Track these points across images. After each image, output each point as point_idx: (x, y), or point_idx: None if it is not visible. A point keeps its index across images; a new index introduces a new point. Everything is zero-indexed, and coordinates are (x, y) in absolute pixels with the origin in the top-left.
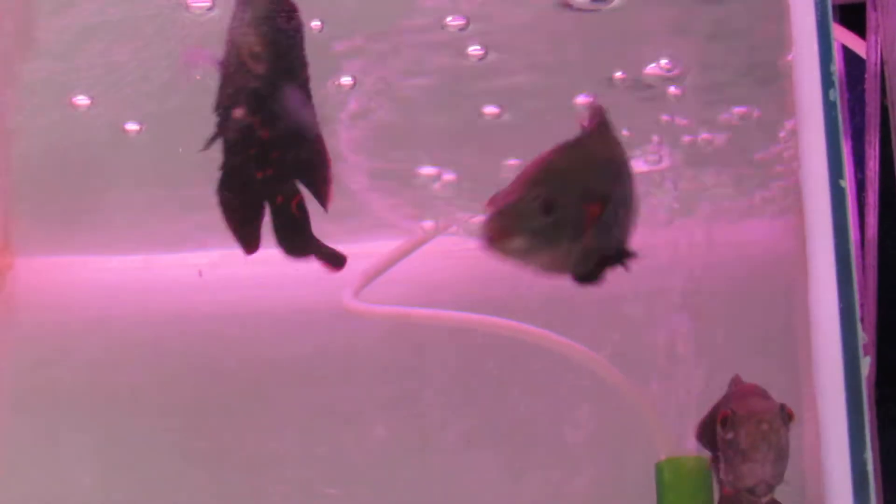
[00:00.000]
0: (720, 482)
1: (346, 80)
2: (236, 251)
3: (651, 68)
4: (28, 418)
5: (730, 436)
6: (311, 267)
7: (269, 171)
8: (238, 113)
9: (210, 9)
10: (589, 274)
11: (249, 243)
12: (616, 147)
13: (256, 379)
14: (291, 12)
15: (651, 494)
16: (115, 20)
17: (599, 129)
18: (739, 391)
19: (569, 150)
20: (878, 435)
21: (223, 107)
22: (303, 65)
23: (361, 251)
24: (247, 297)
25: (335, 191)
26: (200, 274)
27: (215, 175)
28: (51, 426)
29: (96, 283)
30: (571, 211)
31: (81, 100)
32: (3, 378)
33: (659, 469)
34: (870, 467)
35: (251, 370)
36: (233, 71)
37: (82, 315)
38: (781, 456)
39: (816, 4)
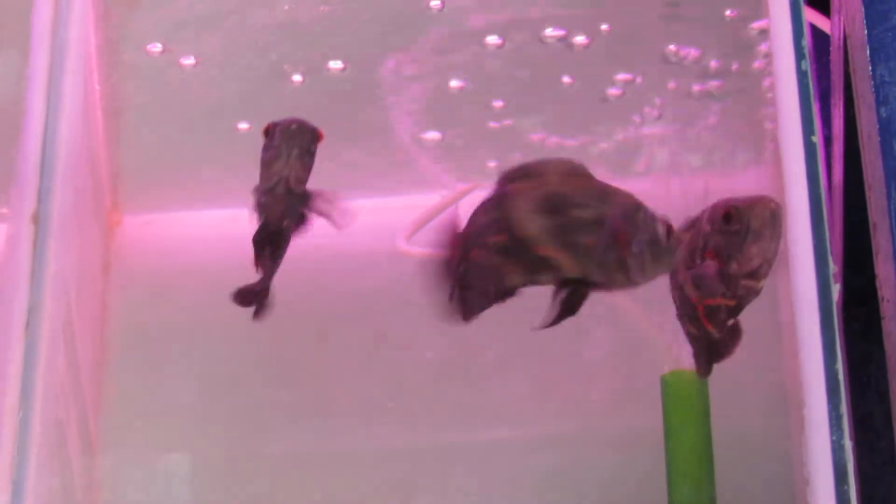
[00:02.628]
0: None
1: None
2: None
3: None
4: (135, 349)
5: (736, 227)
6: (370, 217)
7: None
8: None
9: None
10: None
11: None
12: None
13: (326, 311)
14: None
15: (657, 403)
16: (203, 14)
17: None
18: (720, 203)
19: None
20: (847, 349)
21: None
22: None
23: (412, 203)
24: (316, 242)
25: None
26: None
27: None
28: (154, 355)
29: (190, 234)
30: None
31: (174, 81)
32: (115, 315)
33: (664, 381)
34: (840, 376)
35: (321, 304)
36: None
37: (180, 262)
38: (779, 236)
39: None
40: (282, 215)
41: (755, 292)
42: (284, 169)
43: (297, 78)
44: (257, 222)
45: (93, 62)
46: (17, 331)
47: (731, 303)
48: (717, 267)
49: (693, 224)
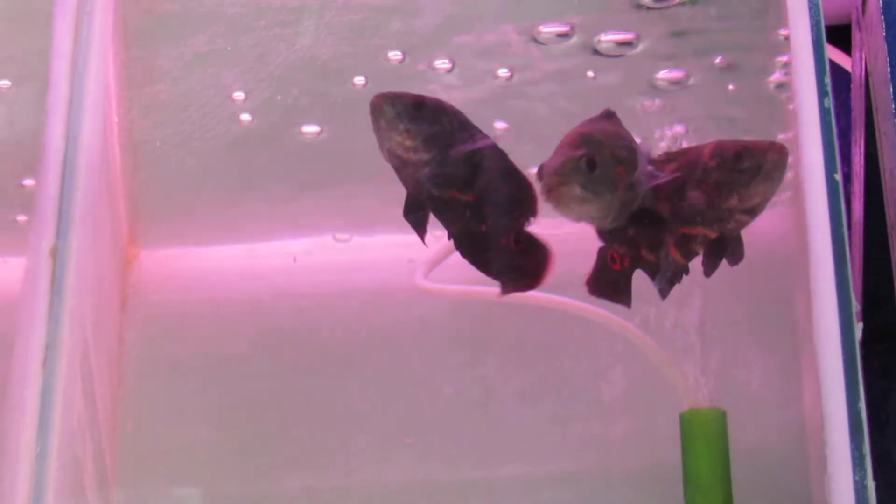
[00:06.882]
0: None
1: None
2: (325, 240)
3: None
4: (153, 383)
5: (747, 165)
6: (387, 253)
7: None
8: (437, 192)
9: None
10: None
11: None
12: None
13: (343, 348)
14: (419, 100)
15: (676, 440)
16: (223, 49)
17: (608, 115)
18: (725, 143)
19: (594, 126)
20: (865, 386)
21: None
22: (457, 126)
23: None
24: (334, 278)
25: None
26: (295, 260)
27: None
28: (172, 390)
29: (208, 269)
30: (607, 169)
31: (193, 115)
32: (131, 350)
33: (683, 418)
34: (863, 416)
35: (339, 341)
36: (404, 169)
37: (197, 297)
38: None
39: (812, 28)
40: (417, 184)
41: (744, 226)
42: (385, 144)
43: (316, 123)
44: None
45: (112, 97)
46: (34, 367)
47: (713, 234)
48: (706, 198)
49: (675, 156)
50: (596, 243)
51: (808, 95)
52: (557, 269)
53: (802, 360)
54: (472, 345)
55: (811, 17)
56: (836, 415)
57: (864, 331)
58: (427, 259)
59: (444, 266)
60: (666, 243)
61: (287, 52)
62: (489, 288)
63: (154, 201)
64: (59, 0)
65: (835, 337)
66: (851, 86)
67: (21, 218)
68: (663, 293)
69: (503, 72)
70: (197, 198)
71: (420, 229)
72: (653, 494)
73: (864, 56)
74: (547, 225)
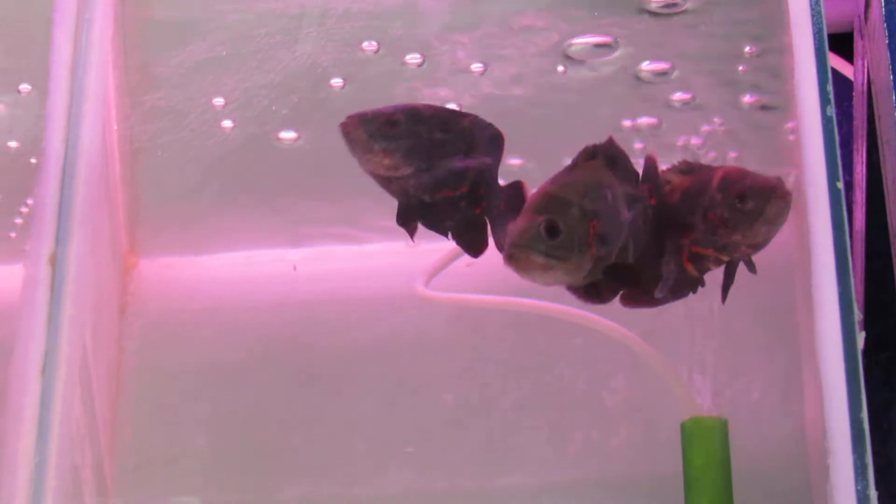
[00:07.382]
0: None
1: None
2: (325, 248)
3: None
4: (151, 391)
5: (750, 207)
6: (387, 261)
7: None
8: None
9: None
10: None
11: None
12: (606, 172)
13: (343, 356)
14: (391, 117)
15: (677, 449)
16: (223, 56)
17: (589, 156)
18: (734, 174)
19: (566, 178)
20: (867, 395)
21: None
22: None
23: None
24: (334, 287)
25: None
26: (294, 268)
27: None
28: (171, 398)
29: (207, 277)
30: (574, 230)
31: (193, 123)
32: (130, 358)
33: (684, 427)
34: (866, 425)
35: (338, 349)
36: (389, 185)
37: (196, 305)
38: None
39: (814, 36)
40: (407, 195)
41: (750, 255)
42: (366, 167)
43: (316, 130)
44: None
45: (111, 104)
46: (33, 374)
47: (725, 258)
48: (711, 228)
49: (692, 169)
50: None
51: (810, 104)
52: None
53: (804, 368)
54: (472, 353)
55: (813, 25)
56: (839, 424)
57: (867, 340)
58: (429, 267)
59: (445, 274)
60: (678, 255)
61: (288, 59)
62: (489, 297)
63: (153, 209)
64: (58, 7)
65: (837, 346)
66: (853, 94)
67: None
68: (663, 302)
69: (490, 72)
70: (196, 206)
71: (411, 230)
72: None
73: (866, 64)
74: None
